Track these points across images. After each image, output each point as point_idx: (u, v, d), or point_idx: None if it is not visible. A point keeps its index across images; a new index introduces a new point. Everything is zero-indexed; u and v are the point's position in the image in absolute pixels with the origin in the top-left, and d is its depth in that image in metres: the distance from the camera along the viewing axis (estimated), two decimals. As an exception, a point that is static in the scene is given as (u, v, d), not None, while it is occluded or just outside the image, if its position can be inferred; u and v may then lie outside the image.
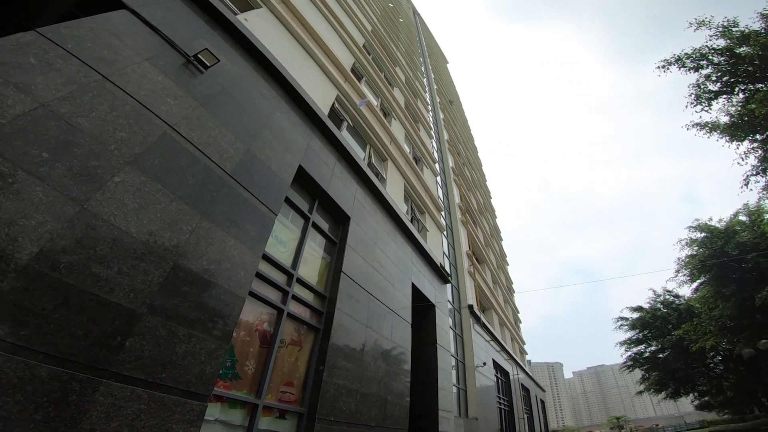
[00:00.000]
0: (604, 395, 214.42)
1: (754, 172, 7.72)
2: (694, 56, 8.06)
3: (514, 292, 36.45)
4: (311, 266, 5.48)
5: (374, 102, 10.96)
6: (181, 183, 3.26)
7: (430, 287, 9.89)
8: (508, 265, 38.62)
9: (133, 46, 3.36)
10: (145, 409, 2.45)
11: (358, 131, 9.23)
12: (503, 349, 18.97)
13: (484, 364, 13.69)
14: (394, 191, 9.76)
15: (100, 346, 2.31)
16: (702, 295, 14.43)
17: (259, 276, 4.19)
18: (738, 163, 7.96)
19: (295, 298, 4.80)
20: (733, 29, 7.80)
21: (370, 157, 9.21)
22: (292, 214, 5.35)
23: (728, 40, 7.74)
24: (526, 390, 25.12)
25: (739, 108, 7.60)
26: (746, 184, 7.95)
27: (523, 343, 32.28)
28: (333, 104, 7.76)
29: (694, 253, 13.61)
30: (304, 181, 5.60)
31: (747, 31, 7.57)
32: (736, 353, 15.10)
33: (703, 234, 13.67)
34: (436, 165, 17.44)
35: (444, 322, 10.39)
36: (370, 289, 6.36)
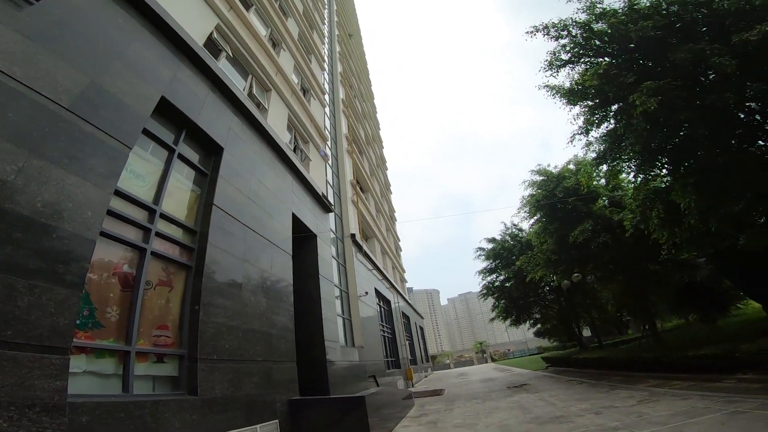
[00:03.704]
0: (472, 321, 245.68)
1: (579, 132, 10.30)
2: (558, 26, 9.61)
3: (396, 220, 40.69)
4: (178, 200, 5.38)
5: (263, 32, 10.48)
6: (-1, 120, 2.84)
7: (311, 217, 10.38)
8: (391, 194, 42.31)
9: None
10: (-3, 369, 2.43)
11: (240, 62, 8.91)
12: (385, 278, 21.27)
13: (366, 293, 15.14)
14: (276, 122, 9.61)
15: None
16: (535, 230, 18.18)
17: (113, 214, 4.04)
18: (570, 123, 10.44)
19: (160, 235, 4.75)
20: (597, 5, 9.47)
21: (251, 87, 8.95)
22: (153, 146, 5.03)
23: (589, 15, 9.43)
24: (406, 317, 28.97)
25: (579, 77, 9.73)
26: (571, 142, 10.59)
27: (404, 272, 37.34)
28: (211, 33, 7.46)
29: (533, 193, 17.02)
30: (168, 112, 5.27)
31: (608, 9, 9.31)
32: (556, 284, 19.29)
33: (541, 177, 17.03)
34: (326, 96, 17.46)
35: (326, 252, 11.26)
36: (246, 222, 6.52)
